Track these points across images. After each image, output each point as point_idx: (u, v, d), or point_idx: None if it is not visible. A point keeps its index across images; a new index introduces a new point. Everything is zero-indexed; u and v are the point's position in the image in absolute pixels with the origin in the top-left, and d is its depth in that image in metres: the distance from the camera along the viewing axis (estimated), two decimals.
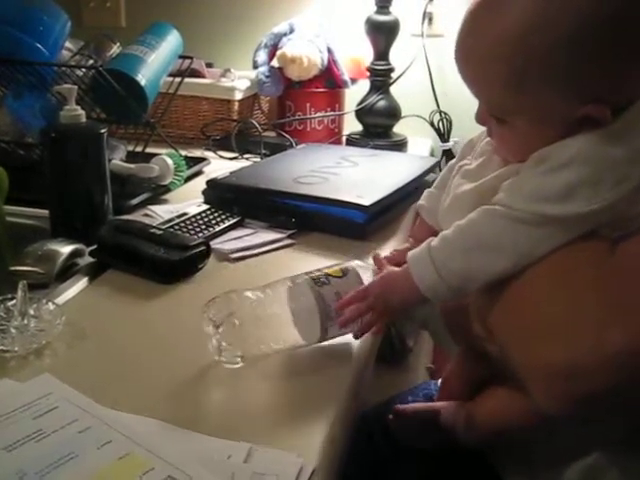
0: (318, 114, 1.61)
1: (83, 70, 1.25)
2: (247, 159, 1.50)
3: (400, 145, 1.61)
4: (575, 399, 0.61)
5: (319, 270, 0.78)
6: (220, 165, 1.42)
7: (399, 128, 1.66)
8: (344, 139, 1.65)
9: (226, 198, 1.14)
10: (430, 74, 1.69)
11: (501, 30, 0.64)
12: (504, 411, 0.73)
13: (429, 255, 0.69)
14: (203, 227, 1.05)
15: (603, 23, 0.60)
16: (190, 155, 1.43)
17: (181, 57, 1.41)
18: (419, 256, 0.70)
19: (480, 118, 0.72)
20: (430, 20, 1.71)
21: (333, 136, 1.63)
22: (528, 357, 0.64)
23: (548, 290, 0.64)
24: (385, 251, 1.02)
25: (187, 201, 1.18)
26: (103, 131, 1.02)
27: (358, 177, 1.20)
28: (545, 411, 0.64)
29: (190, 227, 1.04)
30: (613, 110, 0.64)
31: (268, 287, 0.75)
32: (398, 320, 1.70)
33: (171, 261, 0.91)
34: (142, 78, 1.26)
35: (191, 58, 1.42)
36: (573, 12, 0.60)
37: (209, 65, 1.73)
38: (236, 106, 1.61)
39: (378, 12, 1.56)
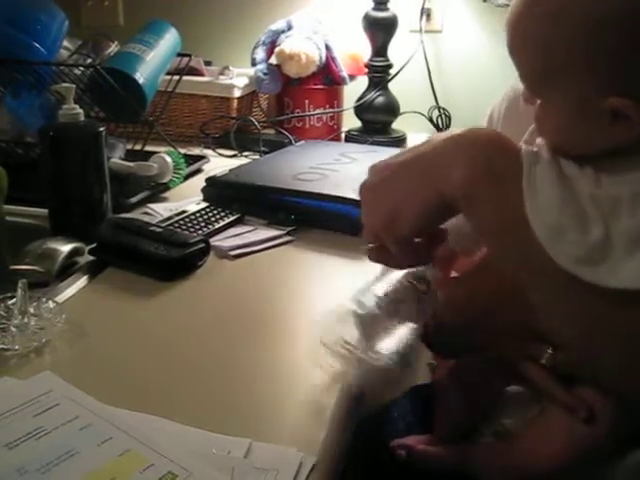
0: (317, 111, 1.61)
1: (81, 69, 1.25)
2: (246, 157, 1.50)
3: (399, 141, 1.61)
4: None
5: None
6: (219, 163, 1.42)
7: (398, 124, 1.66)
8: (343, 136, 1.65)
9: (225, 195, 1.14)
10: (429, 70, 1.68)
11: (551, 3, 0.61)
12: (542, 451, 0.67)
13: None
14: (202, 225, 1.05)
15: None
16: (189, 153, 1.43)
17: (179, 55, 1.41)
18: None
19: (525, 97, 0.68)
20: (428, 16, 1.71)
21: (332, 133, 1.63)
22: None
23: None
24: None
25: (186, 199, 1.18)
26: (102, 130, 1.02)
27: (357, 173, 1.18)
28: None
29: (189, 225, 1.04)
30: None
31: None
32: None
33: (170, 259, 0.91)
34: (140, 76, 1.26)
35: (189, 56, 1.42)
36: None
37: (207, 63, 1.72)
38: (235, 104, 1.61)
39: (376, 8, 1.56)
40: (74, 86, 1.03)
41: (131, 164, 1.19)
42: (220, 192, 1.15)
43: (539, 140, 0.67)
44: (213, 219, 1.07)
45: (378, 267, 0.97)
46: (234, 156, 1.51)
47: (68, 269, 0.92)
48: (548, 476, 0.67)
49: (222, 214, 1.09)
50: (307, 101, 1.61)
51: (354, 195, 1.05)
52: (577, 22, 0.60)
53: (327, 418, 0.63)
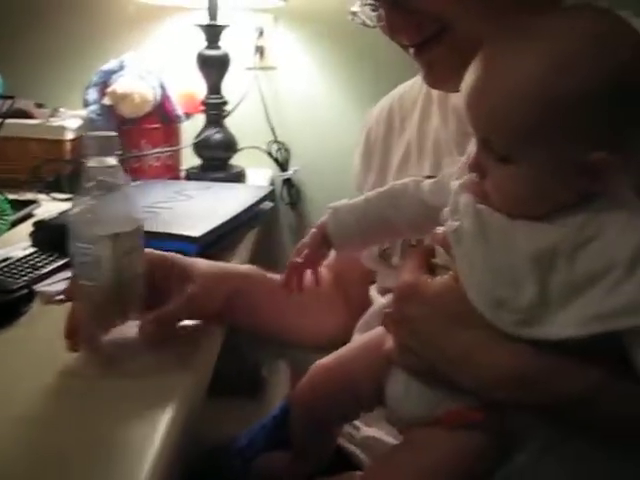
0: (153, 150, 1.59)
1: None
2: None
3: (239, 176, 1.62)
4: None
5: None
6: (52, 207, 1.36)
7: (239, 160, 1.67)
8: (183, 174, 1.64)
9: (55, 239, 1.09)
10: (265, 105, 1.72)
11: (518, 81, 0.61)
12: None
13: None
14: (28, 270, 1.01)
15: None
16: (20, 199, 1.37)
17: (1, 97, 1.36)
18: None
19: (475, 164, 0.66)
20: (262, 53, 1.75)
21: (172, 172, 1.62)
22: None
23: None
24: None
25: (14, 245, 1.13)
26: None
27: (191, 210, 1.19)
28: None
29: (14, 271, 1.00)
30: None
31: None
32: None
33: None
34: None
35: (12, 98, 1.37)
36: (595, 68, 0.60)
37: (40, 106, 1.67)
38: (68, 146, 1.56)
39: (208, 47, 1.58)
40: None
41: None
42: (50, 235, 1.11)
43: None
44: (40, 264, 1.03)
45: None
46: (69, 199, 1.46)
47: None
48: None
49: (50, 259, 1.05)
50: (144, 141, 1.58)
51: (185, 230, 1.05)
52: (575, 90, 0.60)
53: (147, 464, 0.60)
